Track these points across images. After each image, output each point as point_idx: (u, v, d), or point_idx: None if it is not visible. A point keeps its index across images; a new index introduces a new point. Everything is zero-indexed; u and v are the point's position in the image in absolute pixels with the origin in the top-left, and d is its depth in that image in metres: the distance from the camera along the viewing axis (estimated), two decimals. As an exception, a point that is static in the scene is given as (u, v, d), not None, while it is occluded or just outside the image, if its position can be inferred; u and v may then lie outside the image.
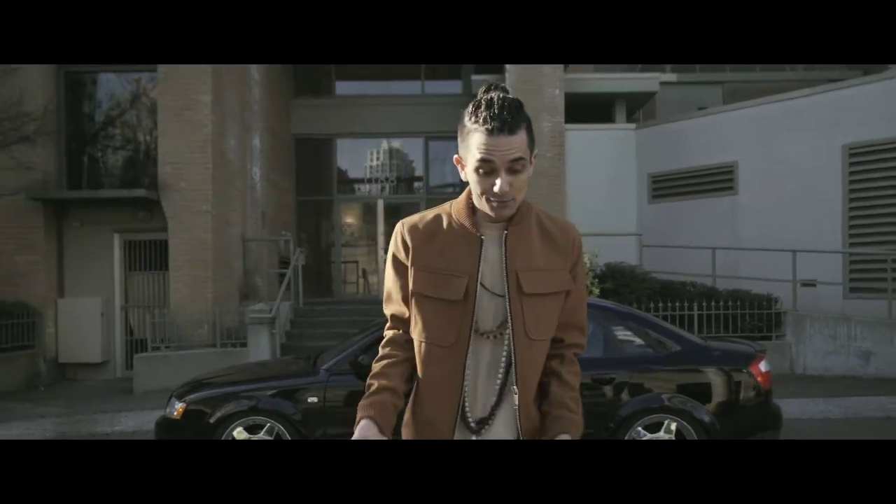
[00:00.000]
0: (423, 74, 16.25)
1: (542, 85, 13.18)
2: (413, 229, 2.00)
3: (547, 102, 13.17)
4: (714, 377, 5.63)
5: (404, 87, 16.47)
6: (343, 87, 16.75)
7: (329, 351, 6.17)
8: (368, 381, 2.03)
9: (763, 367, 5.67)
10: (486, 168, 1.85)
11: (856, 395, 8.86)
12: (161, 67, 11.00)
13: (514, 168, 1.85)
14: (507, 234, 1.95)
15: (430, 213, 2.06)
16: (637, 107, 16.56)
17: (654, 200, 13.57)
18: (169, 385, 9.55)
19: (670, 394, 5.53)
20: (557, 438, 1.91)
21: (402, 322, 2.05)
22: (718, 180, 12.82)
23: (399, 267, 2.03)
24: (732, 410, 5.61)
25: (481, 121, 1.83)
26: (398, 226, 2.05)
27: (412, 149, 17.01)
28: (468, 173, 1.92)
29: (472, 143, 1.87)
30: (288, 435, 5.47)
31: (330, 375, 5.54)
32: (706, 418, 5.46)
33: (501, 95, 1.87)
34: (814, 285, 11.46)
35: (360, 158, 17.06)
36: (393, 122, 15.88)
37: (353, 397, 5.42)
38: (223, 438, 5.46)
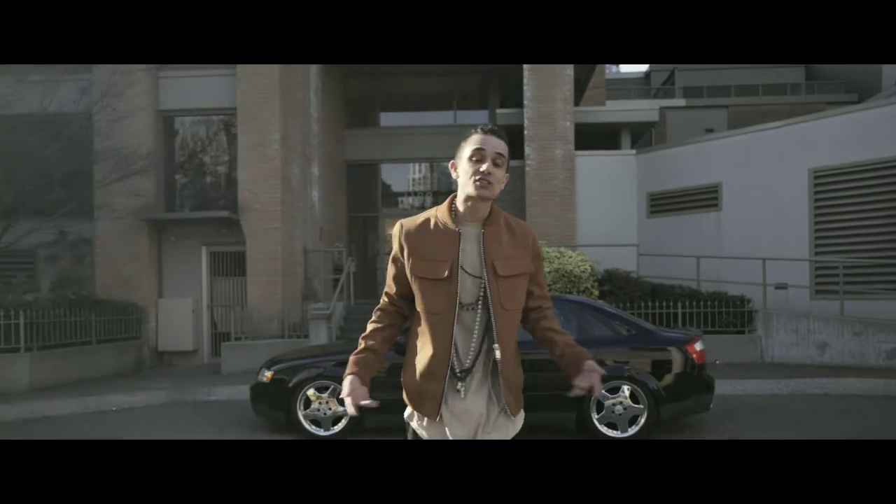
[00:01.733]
0: (455, 106, 17.82)
1: (555, 118, 14.65)
2: (407, 229, 2.41)
3: (559, 133, 14.61)
4: (660, 354, 6.83)
5: (439, 118, 17.89)
6: (386, 119, 18.28)
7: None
8: (360, 339, 2.47)
9: (698, 346, 6.85)
10: (478, 156, 2.32)
11: (804, 378, 9.84)
12: (240, 112, 12.82)
13: (496, 161, 2.32)
14: (483, 233, 2.35)
15: (420, 217, 2.44)
16: (641, 133, 17.85)
17: (652, 215, 14.90)
18: (249, 367, 11.12)
19: (627, 366, 6.75)
20: (586, 364, 2.32)
21: (392, 297, 2.49)
22: (706, 198, 14.09)
23: (396, 258, 2.44)
24: (673, 379, 6.76)
25: (479, 129, 2.38)
26: (396, 226, 2.45)
27: (444, 171, 18.64)
28: (461, 167, 2.38)
29: (469, 144, 2.36)
30: (346, 395, 7.03)
31: (376, 351, 7.11)
32: (653, 385, 6.66)
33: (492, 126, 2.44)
34: (785, 288, 12.71)
35: (402, 180, 18.62)
36: (429, 148, 17.22)
37: (394, 369, 6.80)
38: (300, 397, 6.99)
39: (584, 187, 14.77)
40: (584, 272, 11.38)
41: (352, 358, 2.41)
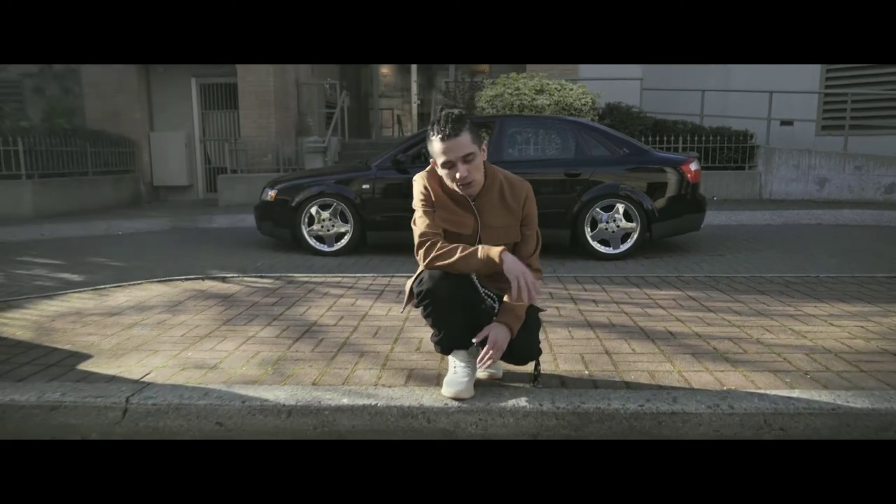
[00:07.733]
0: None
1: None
2: (430, 183, 2.62)
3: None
4: (655, 173, 7.22)
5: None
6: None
7: (375, 155, 8.15)
8: (449, 255, 2.50)
9: (693, 166, 7.27)
10: (448, 165, 2.48)
11: (798, 210, 10.43)
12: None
13: (466, 159, 2.45)
14: (475, 204, 2.62)
15: (438, 177, 2.61)
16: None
17: (660, 49, 15.01)
18: (246, 200, 11.76)
19: (622, 184, 7.13)
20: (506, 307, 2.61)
21: (433, 235, 2.58)
22: (716, 29, 14.19)
23: (428, 205, 2.62)
24: (668, 197, 7.16)
25: (436, 135, 2.44)
26: (420, 179, 2.65)
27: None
28: (438, 168, 2.54)
29: (435, 153, 2.48)
30: (349, 212, 7.38)
31: (377, 170, 7.41)
32: (648, 204, 7.10)
33: (446, 112, 2.45)
34: (791, 124, 13.17)
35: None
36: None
37: (394, 187, 7.28)
38: (304, 214, 7.45)
39: (589, 18, 14.70)
40: (584, 105, 11.74)
41: (473, 249, 2.53)
